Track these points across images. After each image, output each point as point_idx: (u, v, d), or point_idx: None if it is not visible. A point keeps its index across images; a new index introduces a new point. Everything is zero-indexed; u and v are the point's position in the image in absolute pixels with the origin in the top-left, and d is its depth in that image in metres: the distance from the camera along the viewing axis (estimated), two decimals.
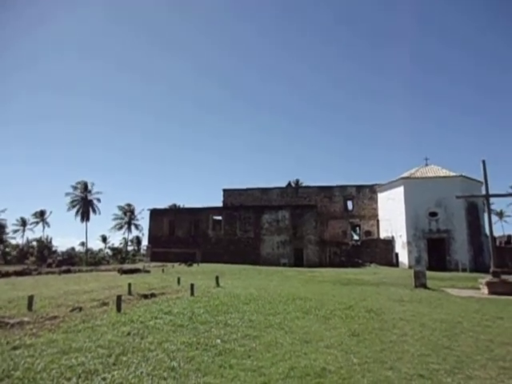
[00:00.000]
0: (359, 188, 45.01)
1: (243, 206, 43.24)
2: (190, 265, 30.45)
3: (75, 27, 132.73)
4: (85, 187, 68.12)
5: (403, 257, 35.77)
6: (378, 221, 41.98)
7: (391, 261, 37.01)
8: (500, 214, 74.06)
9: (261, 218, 39.19)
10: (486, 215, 22.89)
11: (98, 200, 69.23)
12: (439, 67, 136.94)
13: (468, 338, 6.91)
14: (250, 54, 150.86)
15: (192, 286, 11.88)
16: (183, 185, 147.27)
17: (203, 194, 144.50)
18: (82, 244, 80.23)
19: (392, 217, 38.30)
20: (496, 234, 48.13)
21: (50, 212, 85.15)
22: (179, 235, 41.84)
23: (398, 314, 9.23)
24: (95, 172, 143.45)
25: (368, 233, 43.08)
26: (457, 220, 34.58)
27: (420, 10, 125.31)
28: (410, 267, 30.78)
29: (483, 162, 16.93)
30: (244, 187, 49.20)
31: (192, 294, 11.49)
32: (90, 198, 68.46)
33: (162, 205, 76.71)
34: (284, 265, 35.06)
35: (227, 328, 7.22)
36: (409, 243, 35.26)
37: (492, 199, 41.73)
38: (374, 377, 4.78)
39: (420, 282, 15.98)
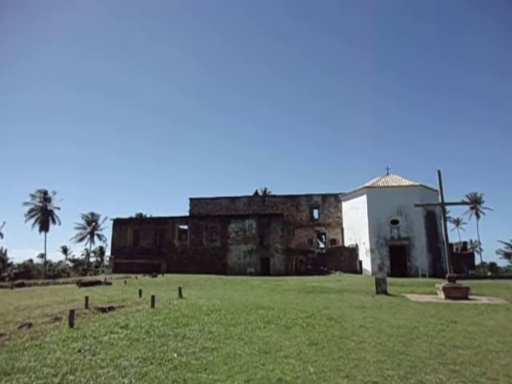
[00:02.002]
0: (325, 197, 45.87)
1: (210, 215, 42.89)
2: (155, 276, 29.68)
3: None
4: (44, 196, 65.13)
5: (366, 264, 36.61)
6: (342, 229, 42.82)
7: (355, 268, 37.76)
8: (457, 222, 77.48)
9: (227, 227, 38.96)
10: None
11: (59, 209, 66.33)
12: (403, 69, 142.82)
13: (423, 343, 7.10)
14: (216, 59, 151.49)
15: (153, 297, 11.54)
16: (149, 194, 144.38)
17: (169, 203, 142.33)
18: (41, 256, 76.45)
19: (356, 225, 39.19)
20: (453, 240, 50.49)
21: (4, 222, 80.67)
22: (144, 245, 40.80)
23: (358, 321, 9.36)
24: (56, 181, 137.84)
25: (333, 241, 43.85)
26: (416, 227, 35.87)
27: (381, 12, 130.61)
28: (372, 274, 31.49)
29: (438, 171, 17.68)
30: (211, 196, 48.94)
31: (153, 306, 11.16)
32: (50, 207, 65.51)
33: (127, 214, 74.69)
34: (251, 274, 34.92)
35: (185, 341, 7.03)
36: (372, 250, 36.15)
37: (449, 207, 43.51)
38: None
39: (381, 288, 16.36)
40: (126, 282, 23.12)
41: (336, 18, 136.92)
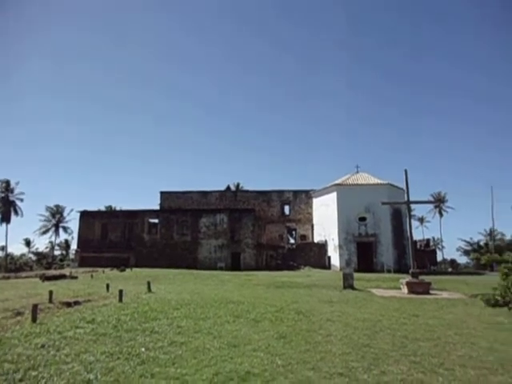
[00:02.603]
0: (296, 193, 46.41)
1: (181, 209, 42.44)
2: (123, 270, 29.12)
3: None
4: (6, 186, 62.28)
5: (335, 259, 37.43)
6: (312, 225, 43.52)
7: (324, 264, 38.53)
8: (421, 220, 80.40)
9: (199, 222, 38.73)
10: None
11: (21, 200, 63.65)
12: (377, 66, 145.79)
13: (386, 336, 7.37)
14: (183, 53, 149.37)
15: (121, 291, 11.34)
16: (119, 187, 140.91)
17: (140, 196, 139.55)
18: (2, 248, 73.12)
19: (325, 221, 39.93)
20: (417, 238, 52.44)
21: None
22: (112, 239, 39.90)
23: (325, 314, 9.59)
24: (20, 170, 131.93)
25: (303, 237, 44.51)
26: (383, 225, 36.99)
27: (355, 8, 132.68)
28: (340, 269, 32.24)
29: (405, 171, 18.30)
30: (182, 190, 48.40)
31: (120, 300, 10.97)
32: (11, 198, 62.70)
33: (95, 207, 72.65)
34: (221, 269, 34.91)
35: (154, 335, 6.98)
36: (340, 246, 36.99)
37: (415, 206, 44.60)
38: (295, 377, 4.90)
39: (348, 283, 16.79)
40: (92, 276, 22.57)
41: (305, 11, 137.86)
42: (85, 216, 41.32)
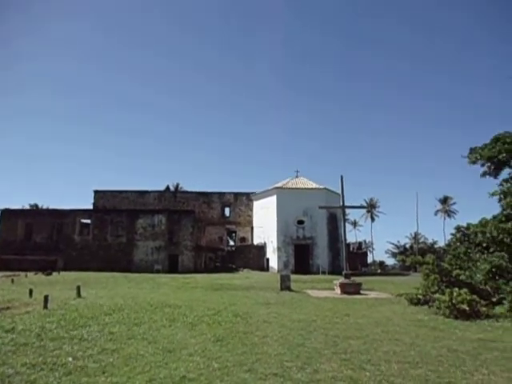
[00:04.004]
0: (237, 195, 46.61)
1: (116, 209, 40.56)
2: (49, 274, 27.07)
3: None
4: None
5: (273, 262, 38.16)
6: (252, 227, 43.98)
7: (263, 266, 39.09)
8: (354, 224, 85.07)
9: (135, 223, 37.27)
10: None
11: None
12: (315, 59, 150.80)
13: (319, 335, 7.65)
14: (102, 53, 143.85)
15: (46, 297, 10.53)
16: (46, 184, 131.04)
17: (71, 195, 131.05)
18: None
19: (265, 224, 40.57)
20: (351, 241, 55.25)
21: None
22: (38, 240, 36.94)
23: (262, 316, 9.72)
24: None
25: (243, 239, 44.81)
26: (320, 228, 38.48)
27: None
28: (278, 271, 32.95)
29: (341, 177, 19.24)
30: (119, 189, 46.34)
31: (45, 307, 10.18)
32: None
33: (19, 205, 66.80)
34: (158, 271, 33.91)
35: (83, 343, 6.57)
36: (279, 249, 37.81)
37: (349, 210, 46.83)
38: (231, 380, 4.89)
39: (285, 285, 17.21)
40: (13, 281, 20.68)
41: (242, 5, 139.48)
42: (6, 214, 37.81)
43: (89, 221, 38.04)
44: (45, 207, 59.74)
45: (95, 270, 31.76)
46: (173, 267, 35.63)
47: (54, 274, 27.51)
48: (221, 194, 46.89)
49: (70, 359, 5.59)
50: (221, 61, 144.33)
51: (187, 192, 48.84)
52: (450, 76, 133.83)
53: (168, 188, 54.99)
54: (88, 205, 45.24)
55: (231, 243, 46.94)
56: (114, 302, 11.48)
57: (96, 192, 45.78)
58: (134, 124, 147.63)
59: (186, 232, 37.50)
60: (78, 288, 13.55)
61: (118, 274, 28.40)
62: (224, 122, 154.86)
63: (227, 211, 46.68)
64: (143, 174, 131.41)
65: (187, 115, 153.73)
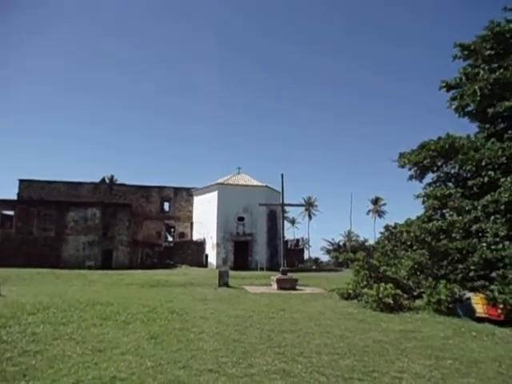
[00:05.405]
0: (177, 190, 45.62)
1: (44, 201, 37.70)
2: None
3: None
4: None
5: (212, 258, 38.01)
6: (192, 223, 43.41)
7: (202, 262, 38.77)
8: (293, 221, 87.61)
9: (66, 216, 34.94)
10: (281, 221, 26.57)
11: None
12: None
13: (255, 330, 7.79)
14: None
15: None
16: None
17: None
18: None
19: (205, 219, 40.25)
20: (289, 237, 56.82)
21: None
22: None
23: (199, 312, 9.66)
24: None
25: (182, 234, 44.05)
26: (260, 225, 39.02)
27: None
28: (217, 267, 32.86)
29: (282, 175, 19.65)
30: (48, 179, 43.11)
31: None
32: None
33: None
34: (90, 268, 32.08)
35: (1, 345, 6.05)
36: (218, 245, 37.73)
37: (288, 208, 48.25)
38: (165, 378, 4.81)
39: (223, 281, 17.24)
40: None
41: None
42: None
43: (12, 212, 34.97)
44: None
45: (19, 266, 29.25)
46: (106, 263, 34.00)
47: None
48: (160, 189, 45.56)
49: None
50: (143, 60, 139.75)
51: (124, 185, 46.74)
52: (386, 75, 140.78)
53: (104, 180, 52.38)
54: (12, 195, 41.55)
55: (170, 239, 45.88)
56: (38, 300, 10.69)
57: (21, 181, 42.13)
58: (68, 107, 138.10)
59: (122, 226, 36.00)
60: None
61: (45, 270, 26.47)
62: (159, 121, 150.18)
63: (167, 206, 45.53)
64: (77, 165, 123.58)
65: (121, 115, 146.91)
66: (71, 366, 5.17)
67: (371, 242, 67.38)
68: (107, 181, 52.25)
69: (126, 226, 36.10)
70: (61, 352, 5.79)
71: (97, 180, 48.61)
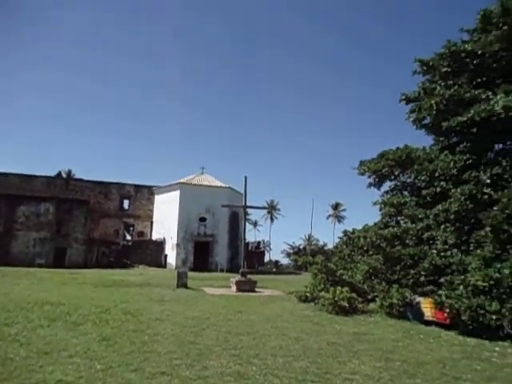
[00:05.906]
0: (138, 188, 44.47)
1: None
2: None
3: None
4: None
5: (172, 258, 37.34)
6: (152, 222, 42.45)
7: (161, 262, 37.96)
8: (255, 224, 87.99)
9: (16, 210, 33.08)
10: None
11: None
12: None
13: (212, 332, 7.72)
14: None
15: None
16: None
17: None
18: None
19: (166, 219, 39.49)
20: (250, 240, 56.95)
21: None
22: None
23: (155, 314, 9.44)
24: None
25: (141, 233, 42.96)
26: (221, 226, 38.84)
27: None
28: (176, 268, 32.30)
29: (245, 177, 19.69)
30: None
31: None
32: None
33: None
34: (40, 265, 30.51)
35: None
36: (178, 245, 37.13)
37: (251, 210, 48.28)
38: (115, 381, 4.66)
39: (182, 282, 16.97)
40: None
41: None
42: None
43: None
44: None
45: None
46: (59, 262, 32.46)
47: None
48: (120, 186, 44.19)
49: None
50: (106, 61, 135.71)
51: (82, 180, 44.89)
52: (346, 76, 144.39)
53: (60, 174, 50.04)
54: None
55: (128, 237, 44.57)
56: None
57: None
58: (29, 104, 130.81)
59: (78, 223, 34.58)
60: None
61: None
62: (120, 120, 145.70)
63: (126, 204, 44.21)
64: (31, 157, 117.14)
65: (80, 113, 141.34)
66: (14, 369, 4.88)
67: (330, 246, 69.10)
68: (64, 175, 49.97)
69: (81, 223, 34.73)
70: (3, 354, 5.45)
71: (53, 174, 46.32)
